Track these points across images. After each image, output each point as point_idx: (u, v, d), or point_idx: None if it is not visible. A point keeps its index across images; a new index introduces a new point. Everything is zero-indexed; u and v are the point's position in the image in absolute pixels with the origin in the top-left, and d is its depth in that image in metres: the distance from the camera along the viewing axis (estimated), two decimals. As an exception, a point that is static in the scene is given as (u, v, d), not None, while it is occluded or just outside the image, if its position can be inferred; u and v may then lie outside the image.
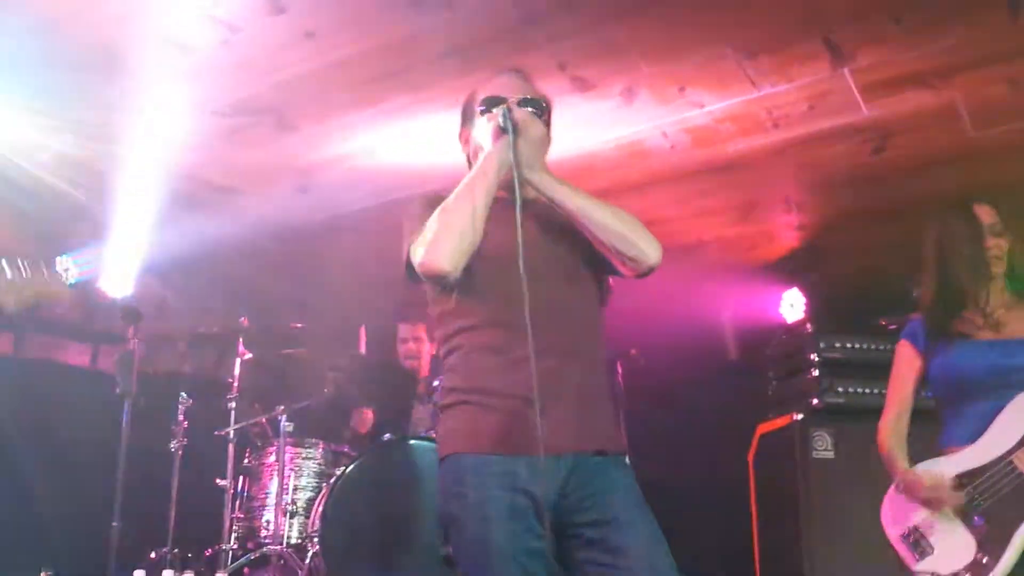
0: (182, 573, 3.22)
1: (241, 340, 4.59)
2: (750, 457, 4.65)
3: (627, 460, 2.13)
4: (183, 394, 4.55)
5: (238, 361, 4.58)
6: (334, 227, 5.57)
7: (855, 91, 4.07)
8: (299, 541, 4.21)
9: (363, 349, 4.97)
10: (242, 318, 4.61)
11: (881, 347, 4.39)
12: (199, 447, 4.57)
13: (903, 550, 2.78)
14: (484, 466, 1.93)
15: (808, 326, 4.49)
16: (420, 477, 3.81)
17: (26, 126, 4.60)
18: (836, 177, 4.86)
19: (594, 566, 1.89)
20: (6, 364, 4.96)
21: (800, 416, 4.26)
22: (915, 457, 2.86)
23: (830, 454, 4.20)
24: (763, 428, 4.59)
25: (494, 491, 1.90)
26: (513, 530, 1.87)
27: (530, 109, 2.13)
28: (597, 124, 4.47)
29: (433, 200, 2.08)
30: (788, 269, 5.77)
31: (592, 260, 2.09)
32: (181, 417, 4.51)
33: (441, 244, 1.92)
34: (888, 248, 5.27)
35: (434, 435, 4.05)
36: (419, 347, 5.14)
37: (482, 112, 2.15)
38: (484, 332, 2.01)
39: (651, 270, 2.05)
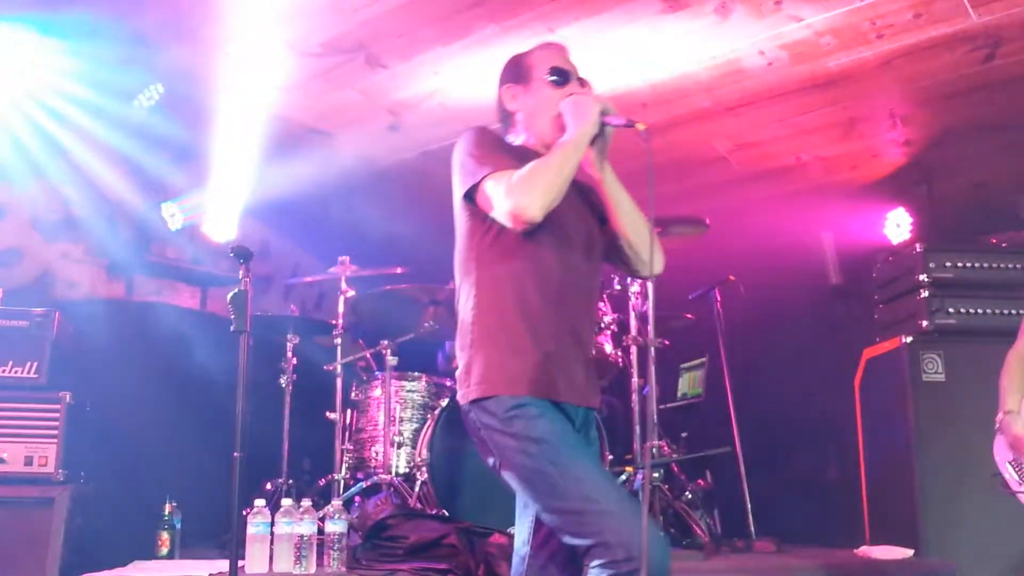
0: (298, 502, 3.36)
1: (343, 279, 4.66)
2: (856, 382, 4.56)
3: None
4: (290, 332, 4.70)
5: (341, 299, 4.66)
6: (426, 163, 5.60)
7: (964, -4, 3.87)
8: (407, 470, 4.33)
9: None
10: (342, 258, 4.67)
11: (994, 265, 4.21)
12: (305, 384, 4.73)
13: (1008, 475, 2.92)
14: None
15: (917, 246, 4.32)
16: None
17: (124, 72, 4.72)
18: (944, 89, 4.64)
19: None
20: (120, 307, 5.17)
21: (909, 339, 4.14)
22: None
23: (941, 377, 4.09)
24: (870, 352, 4.48)
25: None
26: None
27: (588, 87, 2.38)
28: (689, 44, 4.35)
29: (495, 138, 2.32)
30: (893, 187, 5.57)
31: (606, 247, 2.36)
32: (290, 354, 4.66)
33: (538, 197, 2.12)
34: (1000, 162, 5.03)
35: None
36: None
37: (554, 83, 2.35)
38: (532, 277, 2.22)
39: (653, 276, 2.29)
